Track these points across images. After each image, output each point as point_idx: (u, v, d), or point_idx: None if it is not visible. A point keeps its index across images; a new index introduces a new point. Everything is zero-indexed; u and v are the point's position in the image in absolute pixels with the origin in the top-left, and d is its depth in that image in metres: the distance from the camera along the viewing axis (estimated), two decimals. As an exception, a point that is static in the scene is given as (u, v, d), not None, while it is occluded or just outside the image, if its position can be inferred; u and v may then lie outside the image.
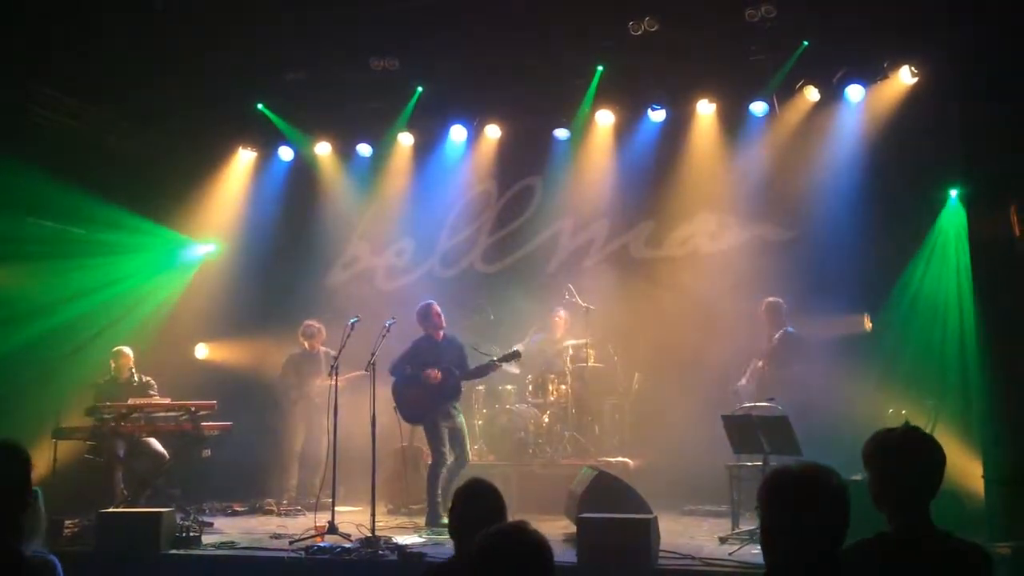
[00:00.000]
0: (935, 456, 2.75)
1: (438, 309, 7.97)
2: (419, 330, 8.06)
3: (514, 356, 8.02)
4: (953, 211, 8.07)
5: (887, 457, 2.74)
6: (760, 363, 8.24)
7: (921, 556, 2.62)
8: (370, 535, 6.57)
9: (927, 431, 2.88)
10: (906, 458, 2.72)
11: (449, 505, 3.53)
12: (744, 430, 6.63)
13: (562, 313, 9.38)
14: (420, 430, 8.47)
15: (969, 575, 2.62)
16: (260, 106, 9.84)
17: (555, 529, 7.11)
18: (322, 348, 9.16)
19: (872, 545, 2.67)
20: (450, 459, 7.76)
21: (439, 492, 7.55)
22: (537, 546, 2.27)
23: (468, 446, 8.05)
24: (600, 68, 9.14)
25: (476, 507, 3.30)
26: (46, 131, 8.58)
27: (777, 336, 8.09)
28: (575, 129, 9.73)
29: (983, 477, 6.78)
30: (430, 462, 7.88)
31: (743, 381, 8.39)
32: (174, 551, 6.40)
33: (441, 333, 7.98)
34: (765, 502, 2.40)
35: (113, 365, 8.30)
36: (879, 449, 2.76)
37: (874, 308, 8.32)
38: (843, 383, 7.59)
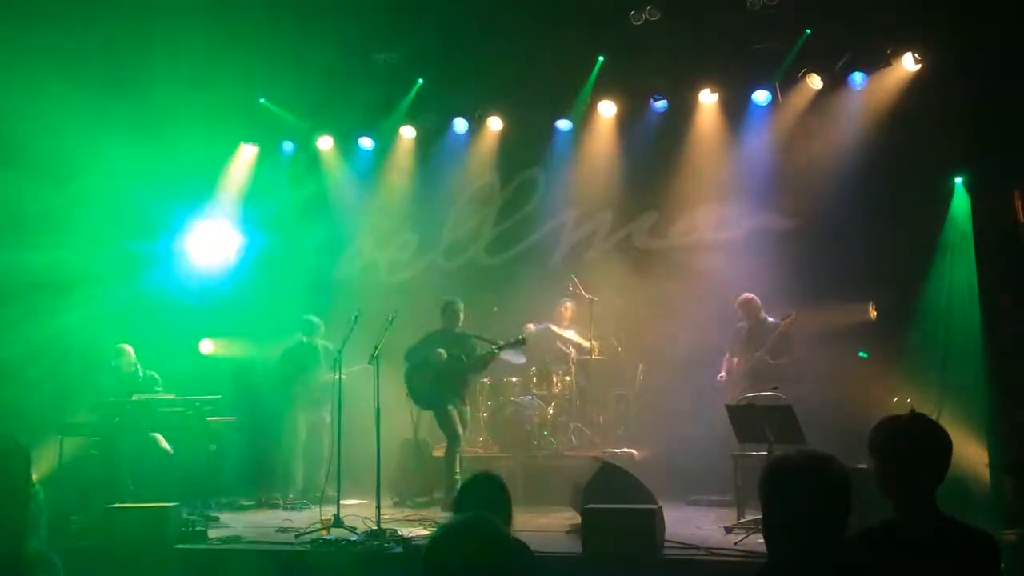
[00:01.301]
0: (941, 443, 2.73)
1: (459, 307, 8.20)
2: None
3: (518, 344, 8.15)
4: (959, 198, 8.04)
5: (893, 444, 2.72)
6: (756, 353, 8.22)
7: (928, 544, 2.60)
8: (376, 528, 6.58)
9: (933, 418, 2.86)
10: (912, 445, 2.70)
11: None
12: (748, 419, 6.62)
13: (568, 304, 9.37)
14: (425, 422, 8.53)
15: (976, 562, 2.61)
16: (263, 100, 9.83)
17: (560, 520, 7.13)
18: (320, 342, 9.15)
19: (879, 533, 2.66)
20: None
21: (457, 472, 7.63)
22: (492, 541, 2.13)
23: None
24: (601, 58, 9.11)
25: (481, 501, 3.30)
26: (46, 127, 8.56)
27: (780, 327, 8.06)
28: (577, 120, 9.71)
29: (989, 464, 6.77)
30: (445, 446, 8.01)
31: (722, 374, 8.39)
32: (180, 545, 6.42)
33: (458, 327, 8.18)
34: (765, 492, 2.38)
35: (113, 363, 8.30)
36: (885, 437, 2.75)
37: (879, 296, 8.29)
38: (848, 371, 7.58)
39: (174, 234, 9.95)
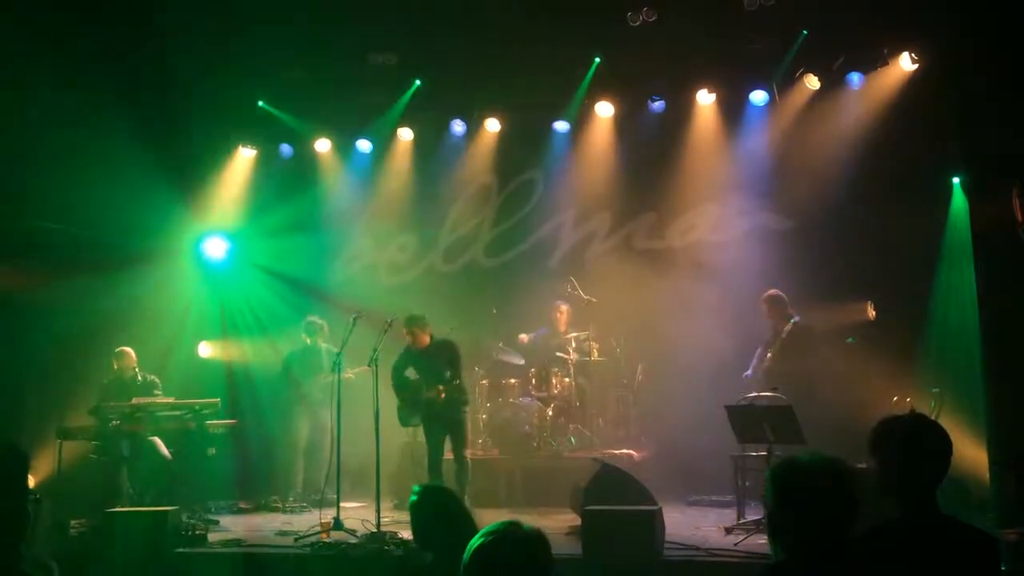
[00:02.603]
0: (941, 443, 2.73)
1: (415, 327, 7.61)
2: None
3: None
4: (957, 198, 8.05)
5: (893, 445, 2.72)
6: (768, 354, 8.18)
7: (929, 543, 2.60)
8: (375, 531, 6.58)
9: (932, 418, 2.86)
10: (913, 446, 2.70)
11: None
12: (748, 420, 6.62)
13: (563, 306, 9.36)
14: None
15: (977, 561, 2.61)
16: (261, 103, 9.82)
17: (560, 522, 7.12)
18: (324, 344, 9.15)
19: (880, 533, 2.65)
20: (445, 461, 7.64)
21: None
22: (533, 542, 2.21)
23: (462, 449, 7.62)
24: (597, 59, 9.12)
25: (427, 514, 3.30)
26: (48, 132, 8.57)
27: (788, 327, 8.01)
28: (575, 121, 9.71)
29: (990, 463, 6.77)
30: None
31: (749, 372, 8.37)
32: (180, 549, 6.42)
33: (426, 340, 7.67)
34: (772, 492, 2.38)
35: (116, 365, 8.30)
36: (885, 437, 2.75)
37: (877, 295, 8.29)
38: (847, 371, 7.58)
39: (174, 238, 9.92)
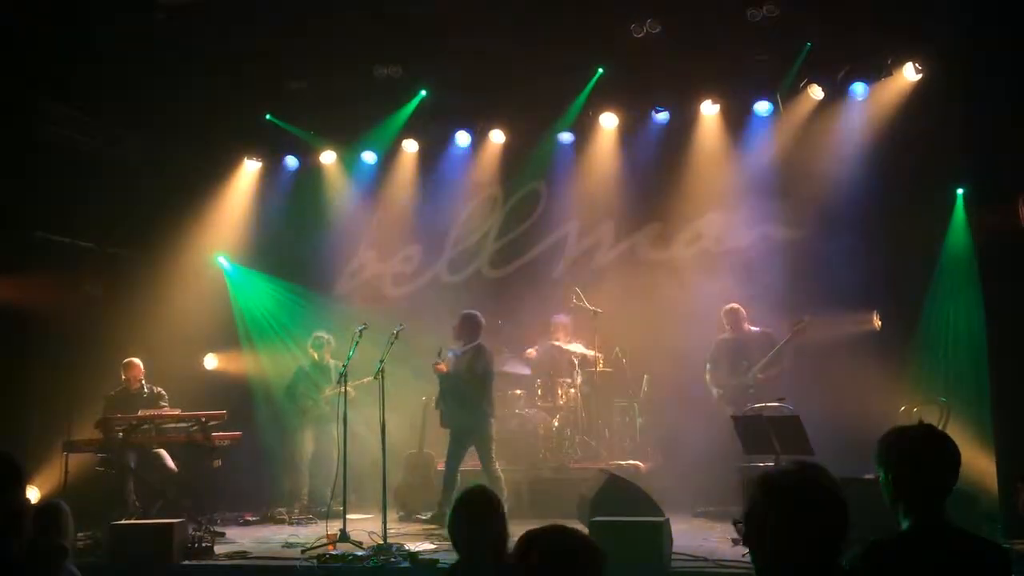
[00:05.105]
0: (951, 455, 2.72)
1: (459, 322, 7.99)
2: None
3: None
4: (961, 208, 8.05)
5: (903, 456, 2.71)
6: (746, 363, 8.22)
7: (939, 555, 2.59)
8: (382, 542, 6.57)
9: (939, 428, 2.85)
10: (923, 457, 2.69)
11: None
12: (755, 431, 6.60)
13: (559, 318, 9.33)
14: (430, 436, 8.53)
15: (987, 573, 2.60)
16: (268, 116, 9.86)
17: (567, 533, 7.09)
18: (331, 359, 9.17)
19: (889, 545, 2.64)
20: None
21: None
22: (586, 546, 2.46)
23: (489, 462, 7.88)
24: (600, 70, 9.14)
25: (473, 518, 3.31)
26: (52, 144, 8.61)
27: (784, 341, 8.07)
28: (579, 132, 9.73)
29: (998, 473, 6.74)
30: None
31: (717, 390, 8.36)
32: (187, 562, 6.41)
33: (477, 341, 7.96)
34: (757, 504, 2.34)
35: (123, 376, 8.32)
36: (894, 448, 2.73)
37: (883, 305, 8.28)
38: (853, 381, 7.56)
39: (181, 249, 9.93)
